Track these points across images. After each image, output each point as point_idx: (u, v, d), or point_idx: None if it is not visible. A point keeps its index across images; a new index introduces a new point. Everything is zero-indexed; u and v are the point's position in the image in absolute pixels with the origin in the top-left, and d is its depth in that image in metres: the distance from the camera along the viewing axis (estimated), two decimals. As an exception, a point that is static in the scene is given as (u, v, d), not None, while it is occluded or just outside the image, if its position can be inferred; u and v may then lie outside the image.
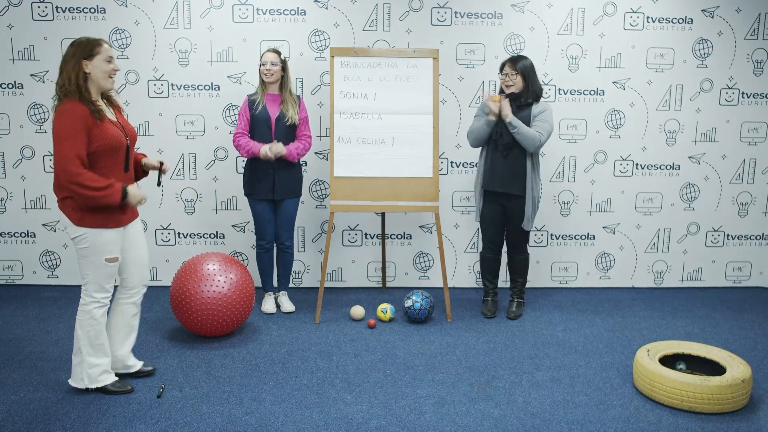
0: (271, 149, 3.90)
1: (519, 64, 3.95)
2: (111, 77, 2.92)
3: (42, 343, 3.70)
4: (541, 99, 4.06)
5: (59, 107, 2.82)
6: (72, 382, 3.09)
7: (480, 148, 4.15)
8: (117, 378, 3.14)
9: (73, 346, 3.06)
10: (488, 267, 4.28)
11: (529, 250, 4.39)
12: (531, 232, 4.72)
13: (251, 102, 4.06)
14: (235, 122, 4.56)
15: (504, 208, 4.09)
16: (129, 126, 3.04)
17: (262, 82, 4.04)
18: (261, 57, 4.03)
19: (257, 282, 4.61)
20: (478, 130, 4.02)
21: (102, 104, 2.94)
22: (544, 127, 3.91)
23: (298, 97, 4.12)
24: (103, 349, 3.05)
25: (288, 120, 3.98)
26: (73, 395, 3.07)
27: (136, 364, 3.26)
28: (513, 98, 3.97)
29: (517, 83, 3.95)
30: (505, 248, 4.38)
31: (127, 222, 3.04)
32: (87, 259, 2.92)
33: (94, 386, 3.07)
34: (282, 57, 4.02)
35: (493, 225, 4.16)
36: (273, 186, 4.04)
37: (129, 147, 2.99)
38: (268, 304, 4.24)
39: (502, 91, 4.06)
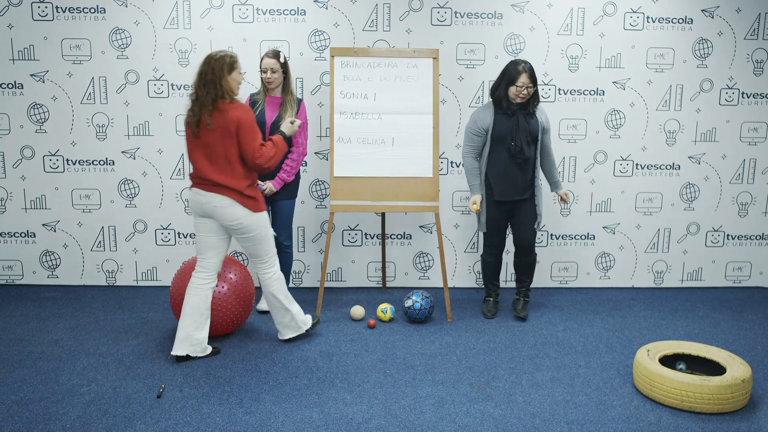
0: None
1: (534, 75, 3.83)
2: None
3: (42, 343, 3.70)
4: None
5: (237, 104, 3.31)
6: (286, 335, 3.70)
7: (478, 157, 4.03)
8: (312, 315, 3.89)
9: (277, 312, 3.63)
10: (492, 270, 4.23)
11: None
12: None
13: (252, 102, 4.05)
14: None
15: (510, 212, 4.05)
16: None
17: (264, 86, 4.00)
18: (261, 62, 3.95)
19: (257, 282, 4.61)
20: (468, 177, 4.02)
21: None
22: (550, 143, 4.04)
23: (300, 99, 4.07)
24: (292, 299, 3.68)
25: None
26: (73, 395, 3.07)
27: (209, 348, 3.59)
28: (521, 108, 3.88)
29: (529, 94, 3.85)
30: (506, 250, 4.36)
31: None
32: (266, 237, 3.51)
33: (306, 328, 3.74)
34: (282, 59, 3.94)
35: (498, 229, 4.08)
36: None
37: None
38: (264, 303, 4.23)
39: (509, 104, 3.85)
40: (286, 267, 4.20)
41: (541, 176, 4.11)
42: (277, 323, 3.70)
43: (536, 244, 4.70)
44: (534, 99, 3.90)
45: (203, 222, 3.45)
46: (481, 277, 4.64)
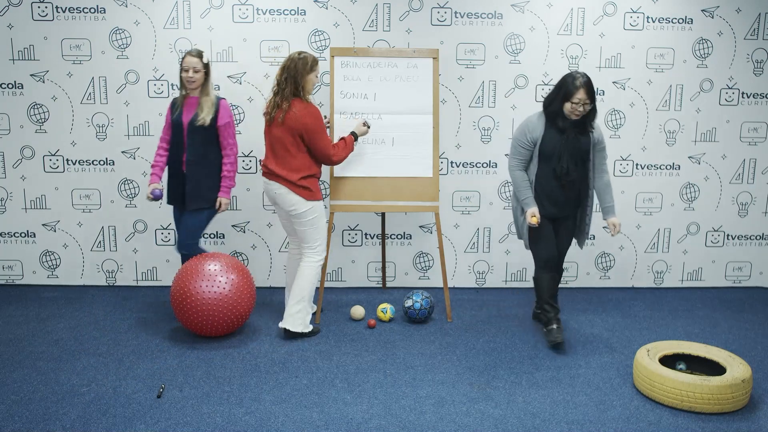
0: (152, 192, 3.83)
1: (593, 91, 3.47)
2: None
3: (42, 343, 3.70)
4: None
5: (309, 109, 3.66)
6: (290, 326, 3.76)
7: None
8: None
9: (295, 297, 3.76)
10: (550, 289, 3.75)
11: (523, 262, 4.19)
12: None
13: (172, 105, 3.91)
14: (234, 122, 4.56)
15: (554, 222, 3.77)
16: None
17: (183, 86, 3.83)
18: (182, 60, 3.76)
19: (257, 282, 4.60)
20: (519, 191, 3.71)
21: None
22: (605, 160, 3.70)
23: (219, 98, 3.87)
24: (313, 298, 3.92)
25: (200, 121, 3.74)
26: (73, 395, 3.07)
27: (314, 307, 4.04)
28: (574, 125, 3.57)
29: (586, 111, 3.52)
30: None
31: None
32: (318, 227, 3.79)
33: (306, 330, 3.81)
34: (205, 60, 3.78)
35: (548, 241, 3.71)
36: (183, 194, 3.88)
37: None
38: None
39: (564, 121, 3.54)
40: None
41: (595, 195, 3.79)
42: (287, 308, 3.81)
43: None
44: (590, 116, 3.57)
45: (275, 208, 3.93)
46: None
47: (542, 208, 3.70)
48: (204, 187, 3.85)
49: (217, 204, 3.90)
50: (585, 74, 3.52)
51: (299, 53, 3.67)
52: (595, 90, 3.57)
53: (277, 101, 3.66)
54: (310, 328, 3.84)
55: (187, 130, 3.80)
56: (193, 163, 3.81)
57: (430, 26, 4.51)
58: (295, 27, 4.48)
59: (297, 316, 3.76)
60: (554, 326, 3.69)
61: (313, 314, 4.16)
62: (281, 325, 3.78)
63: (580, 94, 3.45)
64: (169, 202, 3.98)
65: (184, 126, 3.81)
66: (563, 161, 3.58)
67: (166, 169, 3.95)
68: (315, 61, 3.70)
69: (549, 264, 3.72)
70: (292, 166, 3.69)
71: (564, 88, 3.50)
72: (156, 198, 3.84)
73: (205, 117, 3.76)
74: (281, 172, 3.69)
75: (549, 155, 3.61)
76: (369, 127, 4.02)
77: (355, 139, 3.94)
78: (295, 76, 3.63)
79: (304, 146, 3.70)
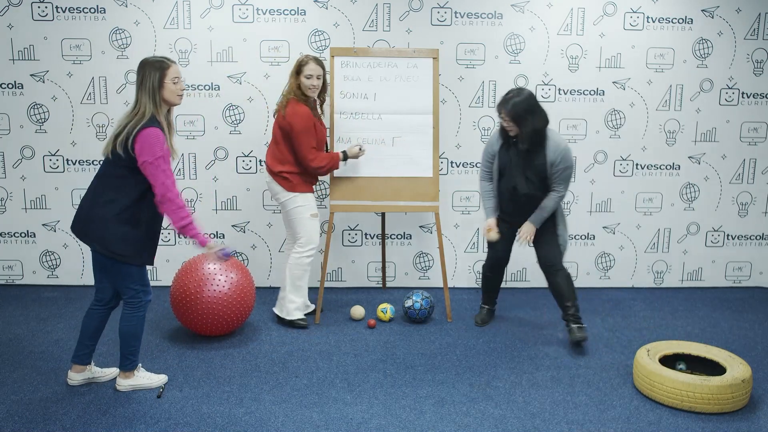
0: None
1: (509, 108, 3.54)
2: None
3: (42, 343, 3.70)
4: (549, 133, 3.63)
5: (299, 111, 3.75)
6: (276, 310, 4.03)
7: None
8: (304, 316, 4.01)
9: (282, 286, 3.96)
10: (490, 286, 4.08)
11: (523, 262, 4.14)
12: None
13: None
14: (234, 122, 4.56)
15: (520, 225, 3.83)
16: (324, 125, 3.99)
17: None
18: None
19: (256, 283, 4.60)
20: (482, 199, 3.91)
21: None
22: (565, 184, 3.65)
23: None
24: (301, 290, 3.97)
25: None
26: (73, 395, 3.07)
27: (311, 306, 4.20)
28: (515, 143, 3.66)
29: (513, 128, 3.59)
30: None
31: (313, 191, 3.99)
32: (300, 220, 3.87)
33: (289, 318, 3.96)
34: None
35: (497, 244, 3.87)
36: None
37: (327, 143, 4.03)
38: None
39: (507, 136, 3.66)
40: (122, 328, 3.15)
41: (565, 203, 3.79)
42: (280, 294, 4.05)
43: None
44: (525, 138, 3.58)
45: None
46: (480, 277, 4.58)
47: (507, 214, 3.87)
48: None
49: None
50: (509, 96, 3.56)
51: (300, 55, 3.87)
52: (523, 109, 3.52)
53: (282, 100, 3.88)
54: (293, 316, 3.96)
55: None
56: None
57: (430, 26, 4.51)
58: (295, 27, 4.48)
59: (280, 303, 4.01)
60: (486, 308, 4.15)
61: (313, 314, 4.16)
62: (273, 307, 4.12)
63: (502, 113, 3.60)
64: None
65: None
66: (511, 177, 3.72)
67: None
68: (300, 63, 3.80)
69: (493, 265, 3.99)
70: (277, 157, 3.86)
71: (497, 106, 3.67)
72: (227, 256, 3.17)
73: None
74: (269, 162, 3.90)
75: (501, 170, 3.79)
76: (363, 152, 4.01)
77: (344, 159, 3.97)
78: (292, 76, 3.84)
79: (290, 145, 3.82)
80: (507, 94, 3.60)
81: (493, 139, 3.82)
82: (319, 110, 3.97)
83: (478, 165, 4.66)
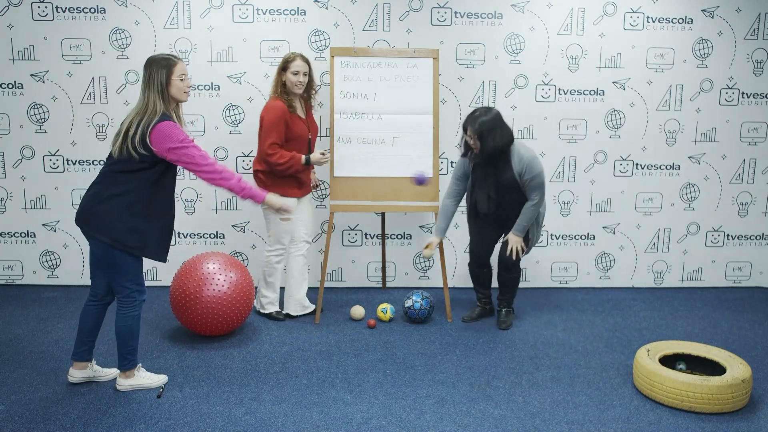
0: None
1: (476, 126, 3.64)
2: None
3: (42, 343, 3.70)
4: (516, 146, 3.73)
5: (271, 104, 3.82)
6: (255, 303, 4.16)
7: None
8: (279, 309, 4.15)
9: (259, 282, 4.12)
10: (478, 281, 4.15)
11: (523, 262, 4.18)
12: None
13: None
14: (234, 122, 4.56)
15: (499, 226, 3.99)
16: (313, 123, 4.05)
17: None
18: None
19: (256, 282, 4.60)
20: (438, 215, 4.01)
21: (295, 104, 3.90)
22: (538, 191, 3.75)
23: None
24: (272, 286, 4.09)
25: None
26: (73, 395, 3.07)
27: (311, 306, 4.21)
28: (489, 160, 3.74)
29: (476, 145, 3.70)
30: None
31: (300, 195, 4.01)
32: (271, 220, 3.94)
33: (263, 311, 4.12)
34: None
35: (481, 239, 4.01)
36: None
37: (310, 139, 4.00)
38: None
39: (473, 153, 3.79)
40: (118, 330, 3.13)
41: (542, 210, 3.91)
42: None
43: (536, 245, 4.69)
44: (488, 153, 3.69)
45: None
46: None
47: (485, 218, 3.96)
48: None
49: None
50: (475, 114, 3.68)
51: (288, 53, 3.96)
52: (489, 127, 3.64)
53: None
54: (266, 310, 4.12)
55: None
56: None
57: (430, 26, 4.51)
58: (295, 27, 4.48)
59: (257, 297, 4.16)
60: (478, 306, 4.19)
61: (313, 314, 4.16)
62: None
63: (469, 130, 3.69)
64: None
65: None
66: (480, 194, 3.84)
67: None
68: (286, 59, 3.85)
69: (474, 258, 4.06)
70: (257, 156, 3.96)
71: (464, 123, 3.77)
72: (421, 181, 3.89)
73: None
74: (255, 160, 4.02)
75: (472, 188, 3.92)
76: (326, 159, 3.91)
77: (306, 163, 3.88)
78: (276, 74, 3.90)
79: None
80: (474, 111, 3.71)
81: (462, 160, 3.92)
82: (312, 103, 4.03)
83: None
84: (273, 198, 3.28)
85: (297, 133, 3.88)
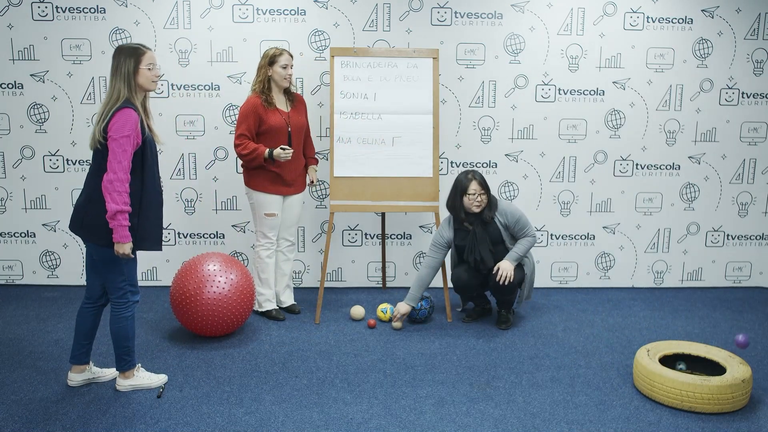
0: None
1: (479, 177, 3.83)
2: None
3: (42, 343, 3.70)
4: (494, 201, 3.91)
5: (250, 97, 3.90)
6: (255, 305, 4.11)
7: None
8: (278, 308, 4.15)
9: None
10: (470, 299, 4.18)
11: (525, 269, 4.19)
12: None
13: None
14: (234, 122, 4.56)
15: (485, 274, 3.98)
16: (297, 117, 3.99)
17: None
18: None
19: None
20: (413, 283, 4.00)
21: (275, 98, 3.93)
22: (527, 228, 3.91)
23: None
24: (267, 282, 4.09)
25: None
26: (73, 395, 3.07)
27: (287, 301, 4.24)
28: (477, 217, 3.87)
29: (483, 201, 3.85)
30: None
31: (286, 193, 4.01)
32: (257, 215, 4.01)
33: (261, 310, 4.11)
34: None
35: (466, 283, 3.99)
36: None
37: (290, 132, 3.95)
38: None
39: (468, 215, 3.89)
40: (113, 333, 3.14)
41: (530, 254, 4.03)
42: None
43: (536, 245, 4.69)
44: (489, 207, 3.87)
45: None
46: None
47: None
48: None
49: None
50: (475, 170, 3.91)
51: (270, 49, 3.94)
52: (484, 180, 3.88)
53: None
54: (264, 307, 4.11)
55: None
56: None
57: (430, 26, 4.51)
58: (295, 27, 4.48)
59: (255, 297, 4.02)
60: (477, 308, 4.21)
61: (313, 314, 4.16)
62: None
63: (474, 186, 3.80)
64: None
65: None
66: (475, 253, 3.87)
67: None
68: (274, 54, 3.87)
69: (464, 291, 4.05)
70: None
71: (459, 185, 3.86)
72: (744, 344, 3.18)
73: None
74: None
75: (462, 250, 3.96)
76: (287, 155, 3.80)
77: (270, 156, 3.81)
78: (260, 69, 3.91)
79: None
80: (466, 173, 3.86)
81: (444, 229, 3.97)
82: (292, 96, 4.03)
83: (478, 165, 4.67)
84: (121, 248, 2.89)
85: (272, 126, 3.85)
